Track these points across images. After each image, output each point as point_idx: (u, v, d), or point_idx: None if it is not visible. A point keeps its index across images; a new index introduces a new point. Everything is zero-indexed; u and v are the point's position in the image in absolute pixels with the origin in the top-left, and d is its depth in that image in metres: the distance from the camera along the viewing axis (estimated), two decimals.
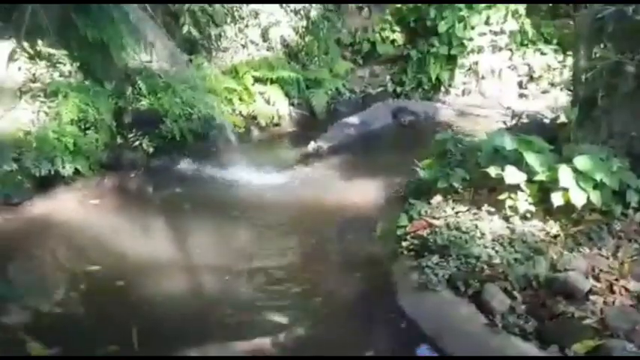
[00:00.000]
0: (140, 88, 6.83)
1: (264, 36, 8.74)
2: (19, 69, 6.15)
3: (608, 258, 3.90)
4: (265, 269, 4.67)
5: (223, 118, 7.44)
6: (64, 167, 5.80)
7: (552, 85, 9.33)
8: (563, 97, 8.61)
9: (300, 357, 3.66)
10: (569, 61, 9.21)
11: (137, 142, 6.65)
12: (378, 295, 4.31)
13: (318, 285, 4.49)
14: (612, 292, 3.60)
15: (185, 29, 7.79)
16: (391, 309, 4.11)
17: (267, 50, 8.81)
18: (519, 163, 4.50)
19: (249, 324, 3.98)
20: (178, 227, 5.41)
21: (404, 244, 4.60)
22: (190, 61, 7.92)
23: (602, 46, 4.29)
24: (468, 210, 4.65)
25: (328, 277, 4.63)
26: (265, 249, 5.06)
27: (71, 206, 5.74)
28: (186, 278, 4.57)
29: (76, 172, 5.97)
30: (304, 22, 8.96)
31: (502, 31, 9.48)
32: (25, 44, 6.24)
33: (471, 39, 9.35)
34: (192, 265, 4.78)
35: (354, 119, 8.38)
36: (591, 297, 3.58)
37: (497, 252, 4.07)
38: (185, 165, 6.87)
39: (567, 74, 9.19)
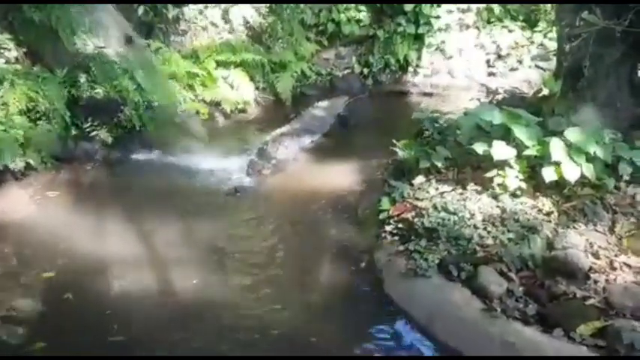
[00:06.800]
0: (95, 75, 6.35)
1: (225, 17, 8.32)
2: None
3: (605, 234, 3.72)
4: (238, 264, 4.38)
5: (185, 104, 7.06)
6: (13, 161, 5.29)
7: (520, 62, 9.22)
8: (534, 73, 8.53)
9: (299, 357, 3.37)
10: (537, 37, 9.16)
11: (94, 133, 6.19)
12: (363, 283, 4.08)
13: (298, 276, 4.21)
14: (613, 269, 3.42)
15: (141, 11, 7.30)
16: (378, 297, 3.89)
17: (229, 33, 8.40)
18: (504, 138, 4.30)
19: (228, 319, 3.70)
20: (138, 223, 4.97)
21: (387, 228, 4.36)
22: (148, 45, 7.46)
23: (587, 13, 4.06)
24: (453, 190, 4.42)
25: (307, 266, 4.34)
26: (239, 239, 4.76)
27: (22, 203, 5.25)
28: (147, 281, 4.14)
29: (28, 166, 5.48)
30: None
31: (469, 9, 9.31)
32: None
33: (438, 17, 9.14)
34: (153, 266, 4.37)
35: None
36: (592, 275, 3.39)
37: (489, 232, 3.86)
38: (146, 155, 6.43)
39: (535, 51, 9.11)
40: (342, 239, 4.63)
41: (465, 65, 9.31)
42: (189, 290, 4.00)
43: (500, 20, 9.53)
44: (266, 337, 3.51)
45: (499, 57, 9.38)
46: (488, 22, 9.53)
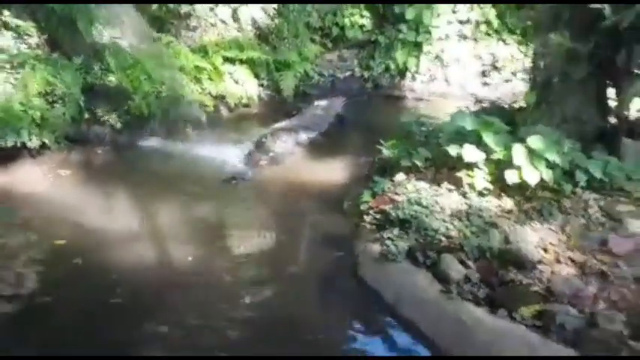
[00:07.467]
0: (109, 64, 6.81)
1: (234, 16, 8.77)
2: None
3: (557, 232, 4.15)
4: (231, 244, 4.81)
5: (192, 96, 7.50)
6: (30, 140, 5.77)
7: (514, 74, 9.63)
8: (521, 85, 8.93)
9: (300, 357, 3.62)
10: (532, 51, 9.54)
11: (105, 118, 6.64)
12: (342, 266, 4.47)
13: (283, 258, 4.61)
14: (559, 262, 3.85)
15: (154, 6, 7.75)
16: (353, 279, 4.28)
17: (237, 31, 8.84)
18: (479, 143, 4.72)
19: (215, 291, 4.11)
20: (143, 203, 5.45)
21: (367, 218, 4.79)
22: (159, 38, 7.91)
23: (558, 33, 4.50)
24: (429, 187, 4.85)
25: (293, 249, 4.77)
26: (231, 224, 5.21)
27: (37, 179, 5.73)
28: (148, 254, 4.56)
29: (43, 145, 5.95)
30: (275, 4, 9.01)
31: (468, 20, 9.74)
32: None
33: (437, 27, 9.57)
34: (154, 241, 4.81)
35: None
36: (540, 267, 3.82)
37: (454, 225, 4.28)
38: (153, 141, 6.91)
39: (529, 64, 9.50)
40: (327, 227, 5.04)
41: (461, 74, 9.74)
42: (185, 265, 4.41)
43: (497, 33, 9.94)
44: (249, 307, 3.95)
45: (495, 68, 9.80)
46: (486, 34, 9.95)
